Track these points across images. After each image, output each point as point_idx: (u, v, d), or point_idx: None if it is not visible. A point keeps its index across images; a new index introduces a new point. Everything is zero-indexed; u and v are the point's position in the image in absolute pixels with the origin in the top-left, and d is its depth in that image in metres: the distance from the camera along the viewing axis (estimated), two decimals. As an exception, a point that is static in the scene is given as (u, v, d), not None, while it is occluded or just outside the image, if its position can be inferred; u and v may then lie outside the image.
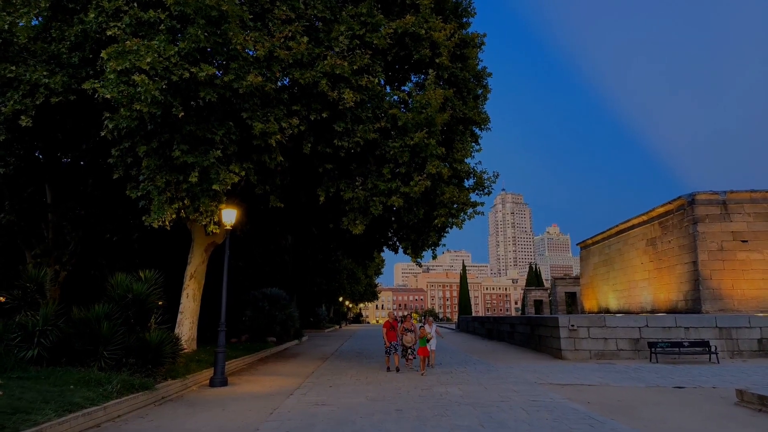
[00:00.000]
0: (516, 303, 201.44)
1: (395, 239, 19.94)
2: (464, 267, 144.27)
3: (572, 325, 18.37)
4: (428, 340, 14.04)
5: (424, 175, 13.13)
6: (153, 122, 10.77)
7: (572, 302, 57.28)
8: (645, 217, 29.88)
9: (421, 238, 15.08)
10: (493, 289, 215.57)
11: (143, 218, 11.54)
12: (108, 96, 9.80)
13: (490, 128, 18.29)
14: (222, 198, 12.04)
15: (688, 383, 11.90)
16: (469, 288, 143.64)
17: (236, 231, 24.97)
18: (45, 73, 11.98)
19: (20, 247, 19.64)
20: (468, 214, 15.12)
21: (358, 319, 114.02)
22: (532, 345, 22.24)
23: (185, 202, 11.99)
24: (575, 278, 59.90)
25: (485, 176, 15.98)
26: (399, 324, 14.77)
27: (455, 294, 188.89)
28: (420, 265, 19.47)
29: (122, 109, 10.05)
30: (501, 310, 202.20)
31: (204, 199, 11.43)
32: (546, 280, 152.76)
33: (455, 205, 14.49)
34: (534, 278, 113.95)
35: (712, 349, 16.77)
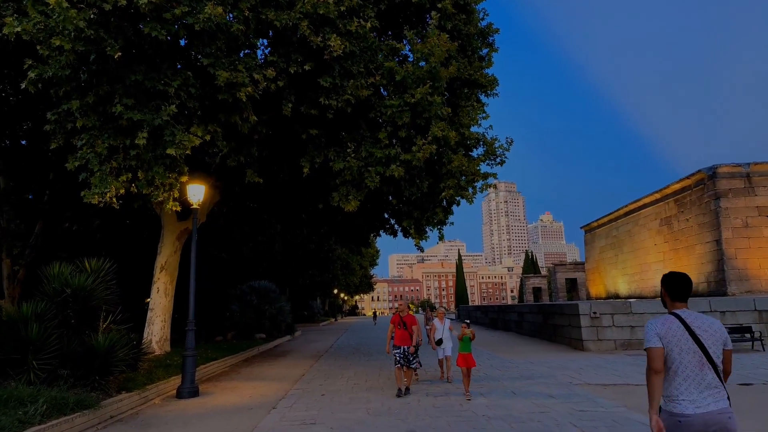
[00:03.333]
0: (512, 291, 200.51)
1: (393, 221, 17.80)
2: (460, 256, 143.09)
3: (594, 312, 16.38)
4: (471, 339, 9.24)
5: (429, 138, 10.96)
6: (87, 70, 8.50)
7: (573, 288, 55.54)
8: (658, 195, 27.91)
9: (425, 216, 12.89)
10: (489, 277, 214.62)
11: (82, 194, 9.27)
12: (18, 30, 7.50)
13: (497, 93, 16.09)
14: (183, 168, 9.78)
15: (751, 378, 9.91)
16: (465, 277, 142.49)
17: (217, 217, 22.71)
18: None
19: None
20: (479, 186, 12.98)
21: (354, 311, 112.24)
22: (545, 335, 20.26)
23: (138, 174, 9.74)
24: (575, 264, 58.16)
25: (496, 144, 13.82)
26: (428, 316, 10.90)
27: (451, 284, 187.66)
28: (422, 250, 17.33)
29: (39, 48, 7.76)
30: (497, 298, 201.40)
31: (158, 168, 9.18)
32: (541, 267, 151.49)
33: (464, 177, 12.31)
34: (530, 266, 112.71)
35: (756, 335, 14.85)
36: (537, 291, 67.20)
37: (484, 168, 13.53)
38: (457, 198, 13.68)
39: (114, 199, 9.50)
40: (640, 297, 29.51)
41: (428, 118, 11.41)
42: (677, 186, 25.99)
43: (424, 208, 12.83)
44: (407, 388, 9.54)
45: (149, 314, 14.95)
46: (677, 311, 3.07)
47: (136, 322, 15.31)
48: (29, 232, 17.30)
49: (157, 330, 14.87)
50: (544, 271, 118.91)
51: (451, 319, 17.32)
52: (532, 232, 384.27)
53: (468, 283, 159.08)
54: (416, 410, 7.91)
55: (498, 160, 13.68)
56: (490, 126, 13.65)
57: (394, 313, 10.10)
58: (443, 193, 11.84)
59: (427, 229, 13.84)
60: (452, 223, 13.86)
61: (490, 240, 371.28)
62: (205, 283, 25.08)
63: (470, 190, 12.62)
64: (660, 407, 2.96)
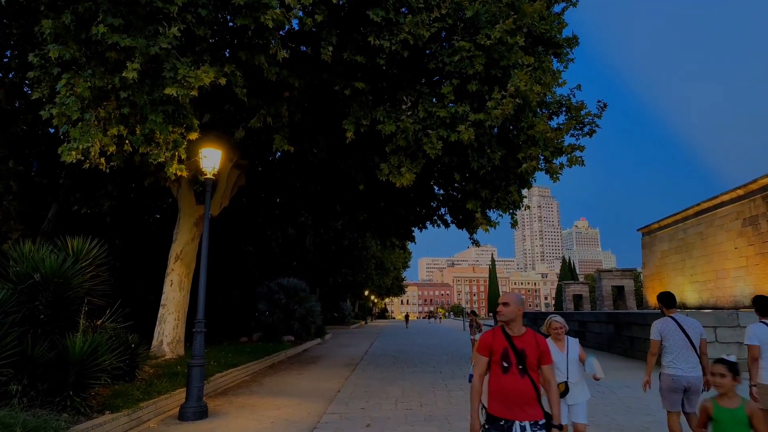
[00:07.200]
0: (546, 298, 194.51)
1: (444, 210, 15.19)
2: (493, 260, 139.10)
3: (691, 325, 13.37)
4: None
5: (511, 90, 8.35)
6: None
7: (620, 297, 51.62)
8: (741, 191, 24.38)
9: (495, 196, 10.23)
10: (522, 283, 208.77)
11: (59, 150, 7.08)
12: None
13: (573, 59, 13.36)
14: (191, 121, 7.48)
15: None
16: (498, 282, 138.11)
17: (243, 208, 20.55)
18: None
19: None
20: (564, 161, 10.26)
21: (383, 314, 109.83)
22: (618, 349, 17.27)
23: (136, 129, 7.48)
24: (623, 271, 54.05)
25: (583, 111, 11.06)
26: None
27: (482, 289, 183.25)
28: (477, 244, 14.72)
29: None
30: (531, 305, 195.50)
31: (155, 117, 6.87)
32: (578, 275, 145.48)
33: (549, 148, 9.61)
34: (568, 272, 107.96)
35: None
36: (578, 299, 63.18)
37: (568, 140, 10.86)
38: (530, 180, 11.02)
39: (103, 160, 7.27)
40: (714, 307, 25.94)
41: (506, 68, 8.83)
42: (766, 180, 22.47)
43: (494, 186, 10.17)
44: None
45: (161, 311, 12.86)
46: (672, 315, 5.31)
47: (149, 320, 13.25)
48: (39, 215, 15.52)
49: (169, 330, 12.76)
50: (580, 278, 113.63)
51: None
52: (566, 238, 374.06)
53: (500, 289, 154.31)
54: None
55: (586, 129, 10.93)
56: (578, 86, 10.93)
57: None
58: (523, 165, 9.16)
59: (493, 214, 11.17)
60: (527, 207, 11.17)
61: (523, 245, 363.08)
62: (231, 278, 23.06)
63: (557, 161, 9.92)
64: (660, 372, 5.24)
